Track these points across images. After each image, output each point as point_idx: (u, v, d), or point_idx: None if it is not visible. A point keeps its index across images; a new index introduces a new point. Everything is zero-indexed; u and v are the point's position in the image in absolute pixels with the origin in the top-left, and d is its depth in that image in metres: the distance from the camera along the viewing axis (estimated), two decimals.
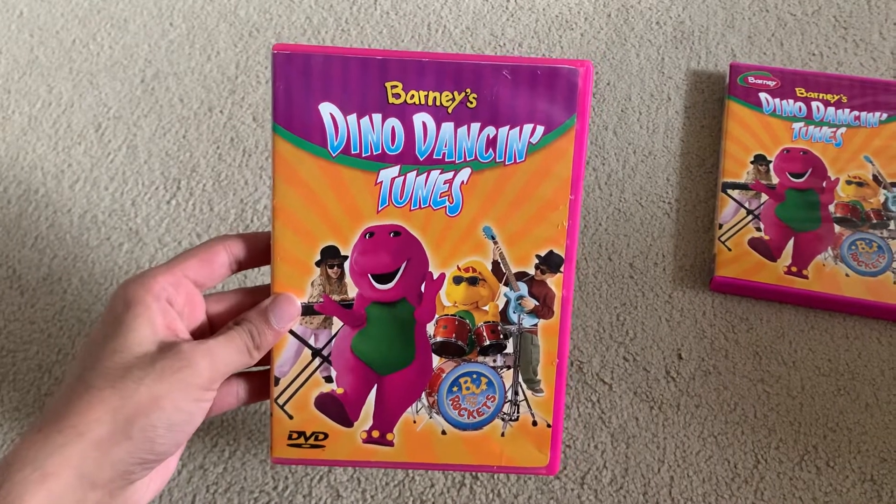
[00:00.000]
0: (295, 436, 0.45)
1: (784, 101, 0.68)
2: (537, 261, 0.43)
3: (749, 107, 0.68)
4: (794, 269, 0.60)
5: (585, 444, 0.55)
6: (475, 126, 0.42)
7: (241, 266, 0.44)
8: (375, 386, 0.44)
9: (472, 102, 0.41)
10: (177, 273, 0.41)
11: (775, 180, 0.64)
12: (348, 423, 0.45)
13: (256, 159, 0.67)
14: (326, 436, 0.45)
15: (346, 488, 0.53)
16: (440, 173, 0.42)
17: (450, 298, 0.44)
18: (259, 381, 0.46)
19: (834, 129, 0.66)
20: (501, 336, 0.44)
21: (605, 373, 0.57)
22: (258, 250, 0.44)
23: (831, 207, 0.62)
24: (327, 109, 0.41)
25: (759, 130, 0.66)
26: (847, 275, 0.59)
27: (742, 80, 0.69)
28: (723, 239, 0.61)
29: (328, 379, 0.44)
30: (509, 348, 0.44)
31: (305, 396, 0.44)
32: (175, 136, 0.69)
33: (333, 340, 0.44)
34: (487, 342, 0.44)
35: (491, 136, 0.42)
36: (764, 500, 0.52)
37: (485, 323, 0.44)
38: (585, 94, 0.41)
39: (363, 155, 0.42)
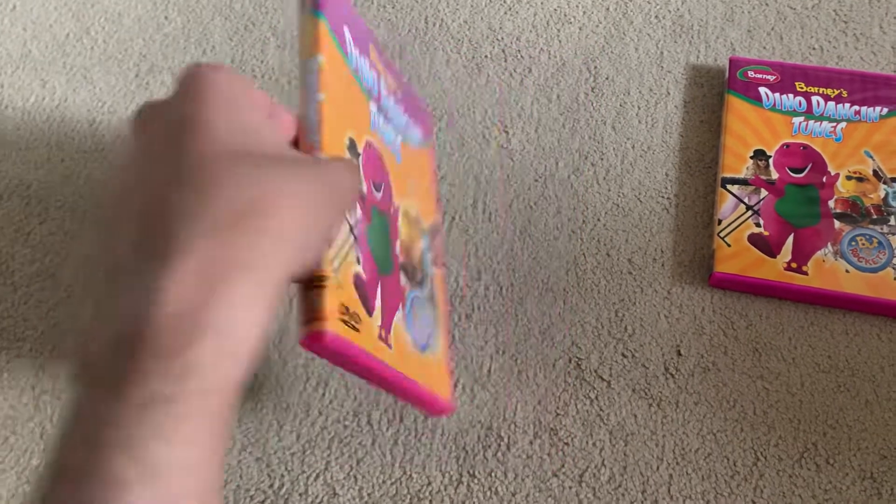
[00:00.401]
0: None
1: (784, 96, 0.67)
2: None
3: (749, 101, 0.67)
4: (793, 265, 0.59)
5: (584, 442, 0.54)
6: None
7: None
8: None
9: None
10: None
11: (775, 175, 0.63)
12: None
13: None
14: None
15: (342, 486, 0.52)
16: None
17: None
18: None
19: (834, 124, 0.66)
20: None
21: (604, 369, 0.57)
22: None
23: (831, 203, 0.62)
24: None
25: (758, 125, 0.66)
26: (847, 271, 0.59)
27: (742, 75, 0.68)
28: (722, 235, 0.61)
29: None
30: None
31: None
32: None
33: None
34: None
35: None
36: (763, 497, 0.52)
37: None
38: None
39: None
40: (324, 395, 0.56)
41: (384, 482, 0.53)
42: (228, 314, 0.26)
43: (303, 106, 0.40)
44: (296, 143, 0.38)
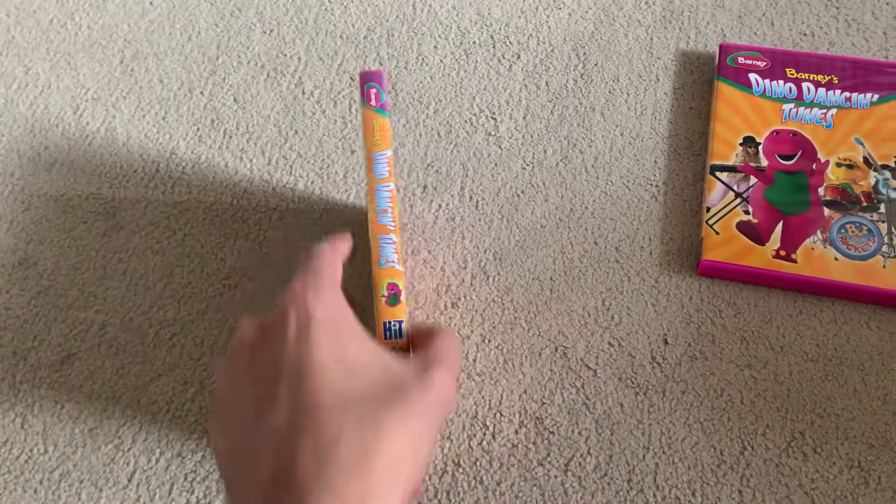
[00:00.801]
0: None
1: (774, 82, 0.66)
2: None
3: (738, 88, 0.66)
4: (782, 252, 0.59)
5: (569, 431, 0.54)
6: None
7: None
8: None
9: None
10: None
11: (764, 163, 0.63)
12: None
13: (237, 141, 0.66)
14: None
15: None
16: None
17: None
18: None
19: (825, 111, 0.65)
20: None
21: (590, 358, 0.56)
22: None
23: (821, 190, 0.61)
24: None
25: (748, 112, 0.65)
26: (836, 258, 0.58)
27: (732, 61, 0.68)
28: (710, 222, 0.60)
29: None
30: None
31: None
32: (154, 118, 0.68)
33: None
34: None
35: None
36: (750, 486, 0.52)
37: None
38: None
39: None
40: None
41: None
42: None
43: (371, 193, 0.46)
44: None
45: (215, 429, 0.32)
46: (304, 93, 0.69)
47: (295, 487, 0.28)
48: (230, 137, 0.66)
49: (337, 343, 0.32)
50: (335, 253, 0.40)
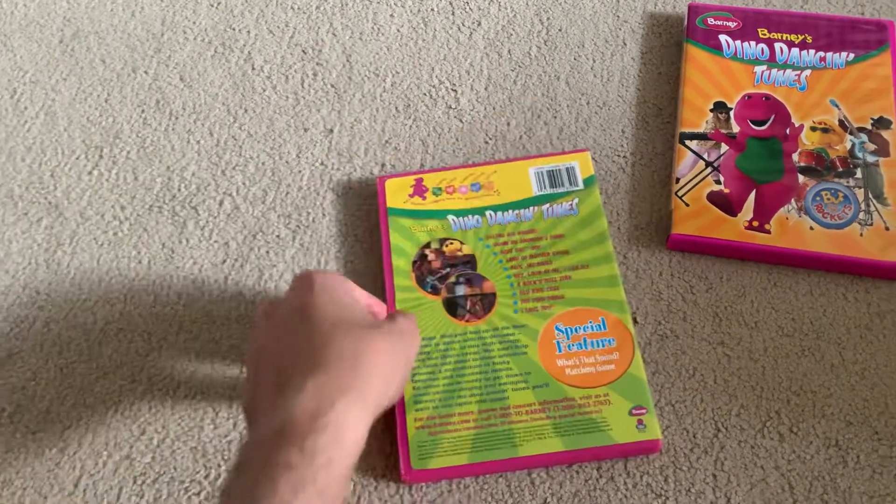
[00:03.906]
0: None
1: (745, 44, 0.63)
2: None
3: (709, 50, 0.63)
4: (755, 223, 0.56)
5: None
6: None
7: None
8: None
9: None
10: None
11: (736, 129, 0.60)
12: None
13: (184, 122, 0.63)
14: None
15: None
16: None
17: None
18: None
19: (798, 72, 0.62)
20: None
21: None
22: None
23: (795, 156, 0.59)
24: None
25: (718, 75, 0.62)
26: (811, 228, 0.56)
27: (701, 22, 0.65)
28: (680, 194, 0.57)
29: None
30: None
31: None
32: (97, 101, 0.64)
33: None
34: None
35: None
36: (724, 470, 0.50)
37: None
38: None
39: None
40: None
41: None
42: (340, 417, 0.38)
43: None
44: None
45: (251, 342, 0.45)
46: (253, 68, 0.66)
47: (299, 368, 0.40)
48: (176, 118, 0.63)
49: (332, 296, 0.44)
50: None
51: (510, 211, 0.57)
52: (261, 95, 0.64)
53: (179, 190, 0.60)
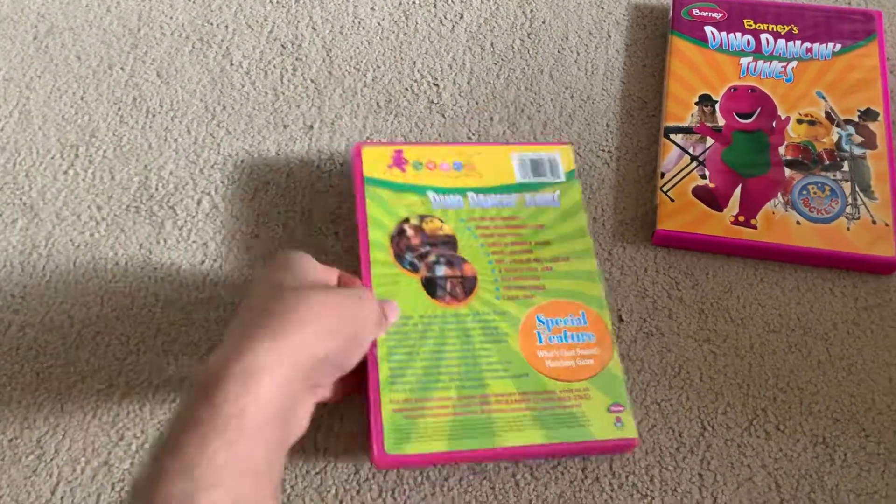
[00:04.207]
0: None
1: (731, 35, 0.63)
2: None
3: (694, 42, 0.63)
4: (741, 218, 0.56)
5: None
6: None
7: None
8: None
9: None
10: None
11: (721, 122, 0.59)
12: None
13: (161, 120, 0.62)
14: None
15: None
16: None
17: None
18: (353, 378, 0.47)
19: (784, 64, 0.61)
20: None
21: None
22: (333, 278, 0.49)
23: (781, 150, 0.58)
24: None
25: (704, 68, 0.61)
26: (798, 222, 0.55)
27: (686, 13, 0.64)
28: (665, 189, 0.57)
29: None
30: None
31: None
32: (72, 98, 0.63)
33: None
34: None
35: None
36: (710, 469, 0.49)
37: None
38: None
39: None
40: None
41: (308, 472, 0.49)
42: (250, 363, 0.37)
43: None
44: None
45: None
46: (232, 64, 0.64)
47: (230, 331, 0.41)
48: (154, 116, 0.62)
49: (288, 267, 0.45)
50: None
51: (492, 195, 0.55)
52: (239, 91, 0.63)
53: (157, 189, 0.59)
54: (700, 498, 0.48)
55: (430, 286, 0.52)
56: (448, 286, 0.52)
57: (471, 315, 0.51)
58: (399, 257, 0.53)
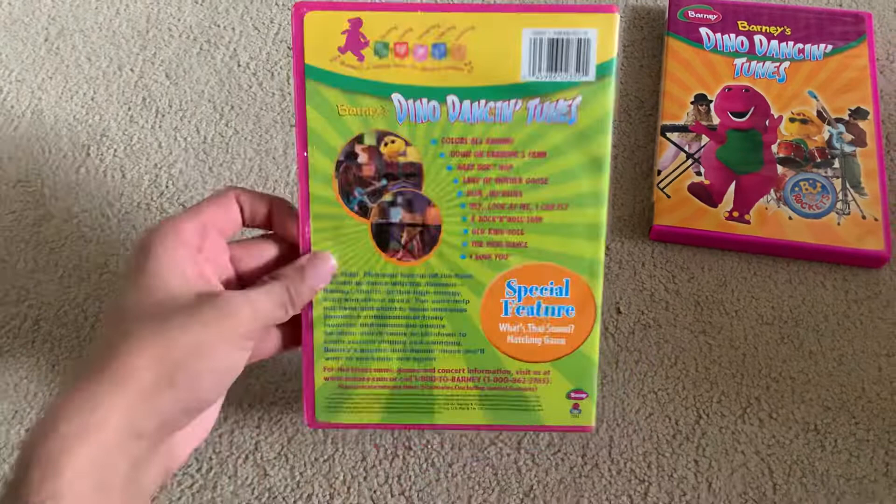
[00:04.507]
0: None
1: (725, 36, 0.64)
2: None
3: (689, 43, 0.64)
4: (735, 213, 0.57)
5: None
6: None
7: (247, 222, 0.44)
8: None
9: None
10: (199, 218, 0.40)
11: (716, 121, 0.61)
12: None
13: (170, 120, 0.63)
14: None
15: (273, 466, 0.51)
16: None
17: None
18: (293, 328, 0.44)
19: (777, 64, 0.63)
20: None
21: None
22: (262, 210, 0.43)
23: (774, 147, 0.60)
24: None
25: (699, 68, 0.63)
26: (790, 218, 0.57)
27: (682, 15, 0.65)
28: (661, 186, 0.58)
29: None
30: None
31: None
32: (83, 99, 0.65)
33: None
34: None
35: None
36: (706, 456, 0.51)
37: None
38: None
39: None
40: (251, 372, 0.53)
41: (316, 460, 0.51)
42: (62, 435, 0.33)
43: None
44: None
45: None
46: (239, 65, 0.66)
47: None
48: (163, 116, 0.64)
49: (136, 274, 0.38)
50: (229, 194, 0.43)
51: (482, 101, 0.40)
52: (247, 92, 0.65)
53: (167, 187, 0.60)
54: (696, 483, 0.50)
55: (382, 236, 0.42)
56: (404, 238, 0.42)
57: (427, 277, 0.43)
58: (345, 194, 0.42)
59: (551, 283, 0.43)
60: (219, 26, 0.68)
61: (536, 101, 0.40)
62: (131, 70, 0.66)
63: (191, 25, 0.68)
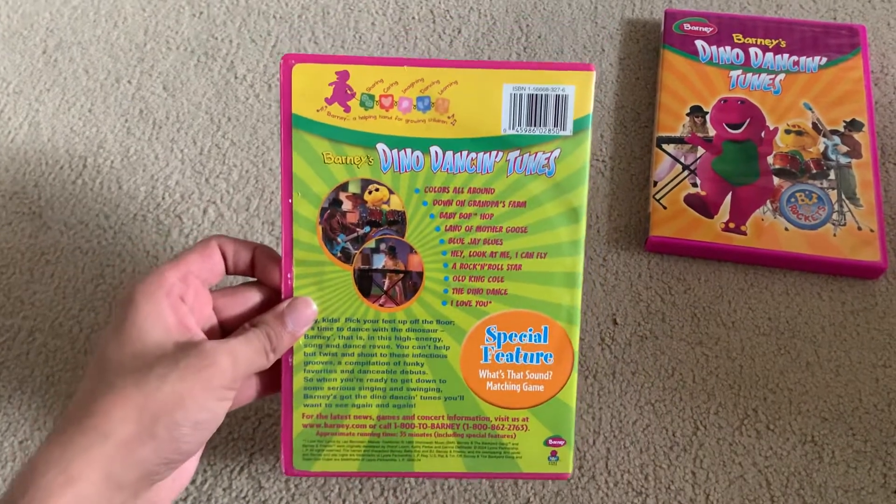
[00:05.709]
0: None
1: (721, 49, 0.65)
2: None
3: (685, 56, 0.64)
4: (731, 225, 0.57)
5: None
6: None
7: (230, 270, 0.44)
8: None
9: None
10: (183, 268, 0.41)
11: (712, 132, 0.61)
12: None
13: (167, 132, 0.63)
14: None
15: (268, 478, 0.50)
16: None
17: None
18: (272, 374, 0.44)
19: (773, 76, 0.63)
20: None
21: None
22: (245, 257, 0.44)
23: (770, 159, 0.60)
24: None
25: (695, 80, 0.63)
26: (786, 229, 0.57)
27: (678, 28, 0.66)
28: (658, 197, 0.58)
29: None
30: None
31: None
32: (80, 111, 0.65)
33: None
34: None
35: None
36: (703, 467, 0.51)
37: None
38: None
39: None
40: None
41: None
42: (44, 486, 0.34)
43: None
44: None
45: None
46: (236, 77, 0.66)
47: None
48: (160, 128, 0.64)
49: (120, 324, 0.39)
50: (211, 243, 0.43)
51: (464, 153, 0.41)
52: (244, 104, 0.65)
53: (164, 198, 0.60)
54: (693, 495, 0.50)
55: (364, 282, 0.43)
56: (386, 284, 0.43)
57: (408, 323, 0.43)
58: (329, 240, 0.42)
59: (530, 330, 0.44)
60: (216, 39, 0.68)
61: (516, 153, 0.42)
62: (129, 82, 0.66)
63: (188, 38, 0.68)
